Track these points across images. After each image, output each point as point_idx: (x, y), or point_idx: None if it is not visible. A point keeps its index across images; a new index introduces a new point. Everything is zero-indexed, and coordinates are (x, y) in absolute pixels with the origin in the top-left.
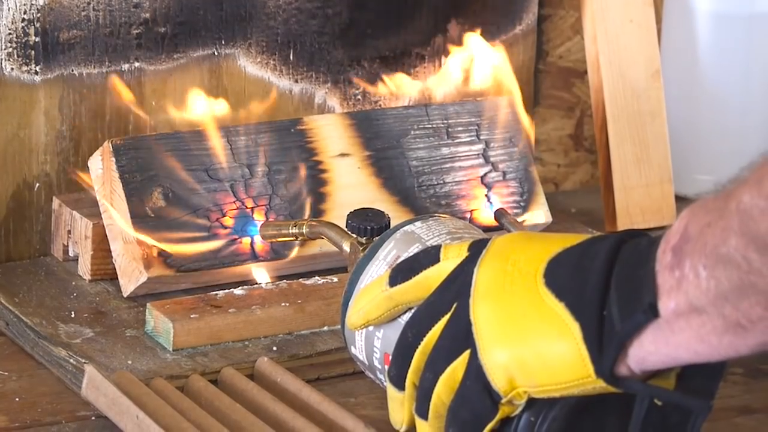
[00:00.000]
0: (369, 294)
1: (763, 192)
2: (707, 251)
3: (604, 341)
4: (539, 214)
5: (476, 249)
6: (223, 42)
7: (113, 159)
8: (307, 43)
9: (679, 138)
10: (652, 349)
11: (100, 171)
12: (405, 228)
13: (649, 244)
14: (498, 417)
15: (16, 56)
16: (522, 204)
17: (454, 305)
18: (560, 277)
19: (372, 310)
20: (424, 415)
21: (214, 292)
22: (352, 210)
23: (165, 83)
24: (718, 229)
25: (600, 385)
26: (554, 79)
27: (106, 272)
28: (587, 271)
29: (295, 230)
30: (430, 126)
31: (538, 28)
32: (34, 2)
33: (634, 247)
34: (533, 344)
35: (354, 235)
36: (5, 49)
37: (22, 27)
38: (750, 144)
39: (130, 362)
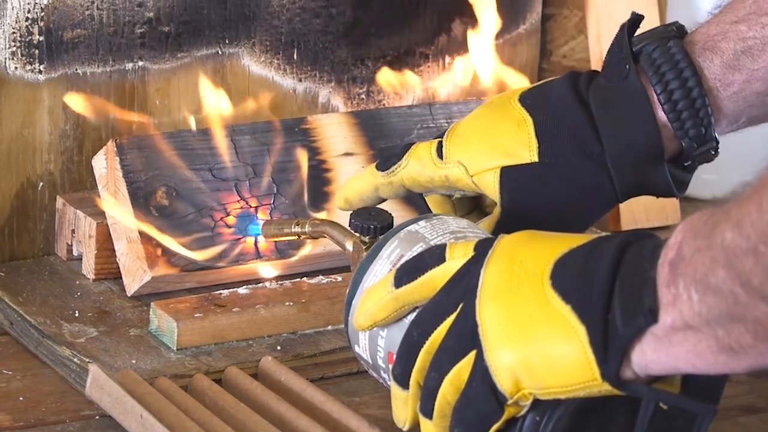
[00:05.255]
0: (375, 295)
1: (743, 232)
2: (698, 277)
3: (609, 345)
4: None
5: (482, 249)
6: (227, 41)
7: (117, 158)
8: (311, 42)
9: None
10: (654, 358)
11: (104, 170)
12: (409, 227)
13: (652, 249)
14: (504, 418)
15: (20, 55)
16: None
17: (460, 305)
18: (566, 279)
19: (378, 312)
20: (428, 414)
21: (218, 292)
22: (356, 209)
23: (169, 82)
24: (707, 258)
25: (606, 388)
26: None
27: (110, 271)
28: (593, 273)
29: (297, 229)
30: (434, 125)
31: (542, 27)
32: (37, 1)
33: (638, 251)
34: (539, 346)
35: (357, 234)
36: (9, 48)
37: (26, 26)
38: (754, 144)
39: (134, 361)
